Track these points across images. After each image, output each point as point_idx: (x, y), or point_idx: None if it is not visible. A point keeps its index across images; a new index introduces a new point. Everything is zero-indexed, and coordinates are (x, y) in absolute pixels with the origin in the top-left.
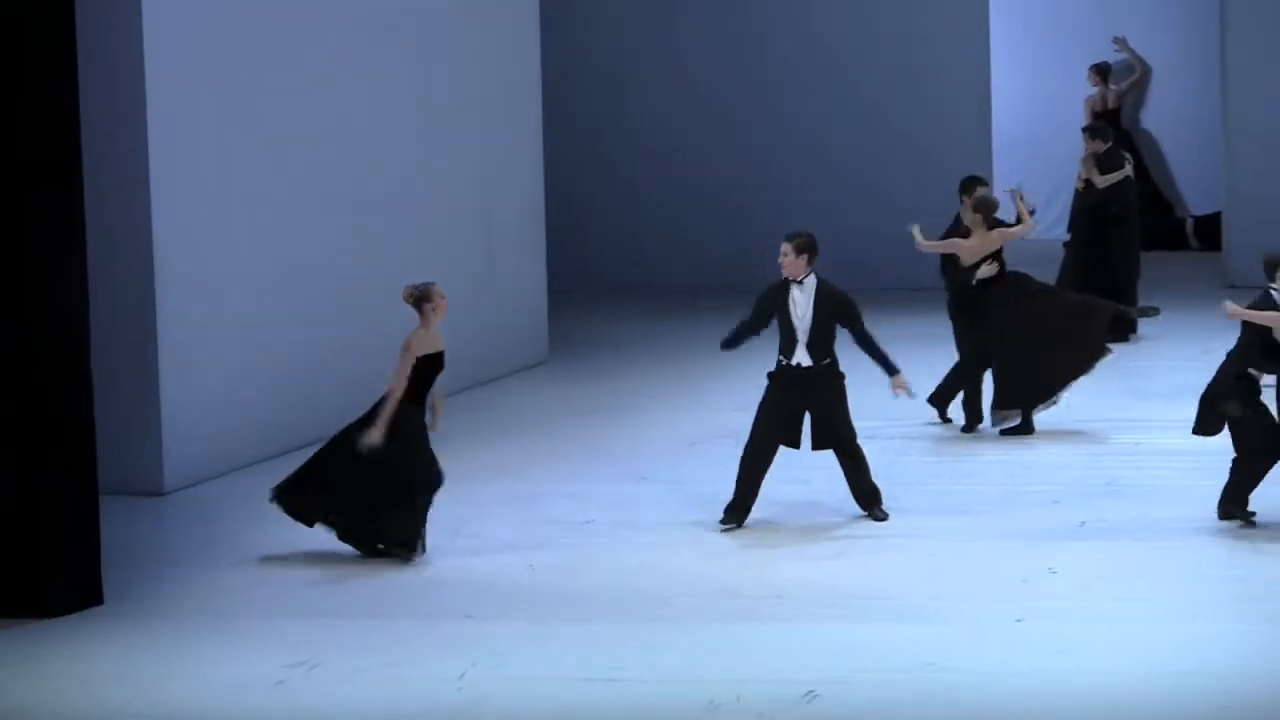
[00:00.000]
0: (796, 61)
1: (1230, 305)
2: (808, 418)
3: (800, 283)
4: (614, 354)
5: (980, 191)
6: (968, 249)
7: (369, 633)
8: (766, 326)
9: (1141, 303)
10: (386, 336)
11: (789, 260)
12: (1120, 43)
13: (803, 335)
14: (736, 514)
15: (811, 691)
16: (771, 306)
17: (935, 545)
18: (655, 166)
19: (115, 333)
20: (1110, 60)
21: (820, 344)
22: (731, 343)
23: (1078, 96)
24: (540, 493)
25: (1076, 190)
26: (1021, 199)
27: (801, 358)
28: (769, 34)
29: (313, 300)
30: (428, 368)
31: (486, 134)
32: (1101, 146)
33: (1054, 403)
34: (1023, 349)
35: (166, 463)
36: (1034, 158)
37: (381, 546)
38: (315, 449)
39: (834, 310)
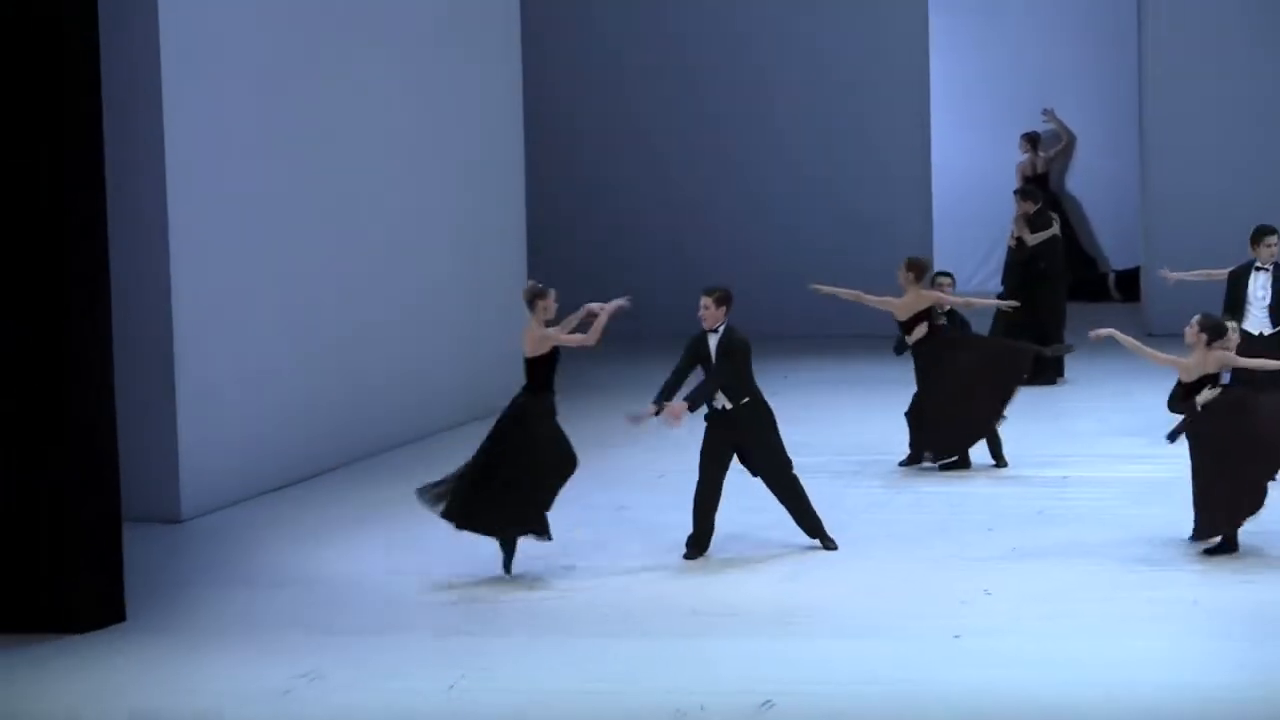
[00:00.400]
0: (748, 126)
1: (1101, 331)
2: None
3: (715, 331)
4: (590, 394)
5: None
6: (900, 306)
7: (368, 647)
8: (692, 370)
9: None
10: (389, 373)
11: (709, 312)
12: (1048, 114)
13: None
14: (697, 546)
15: (768, 701)
16: (696, 355)
17: (881, 568)
18: (629, 230)
19: (136, 370)
20: (1039, 129)
21: (732, 387)
22: (664, 395)
23: (1010, 162)
24: None
25: (1009, 247)
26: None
27: (723, 401)
28: (723, 102)
29: (321, 340)
30: (552, 358)
31: (474, 198)
32: (1032, 207)
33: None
34: (951, 400)
35: (184, 492)
36: (971, 217)
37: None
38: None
39: (727, 353)
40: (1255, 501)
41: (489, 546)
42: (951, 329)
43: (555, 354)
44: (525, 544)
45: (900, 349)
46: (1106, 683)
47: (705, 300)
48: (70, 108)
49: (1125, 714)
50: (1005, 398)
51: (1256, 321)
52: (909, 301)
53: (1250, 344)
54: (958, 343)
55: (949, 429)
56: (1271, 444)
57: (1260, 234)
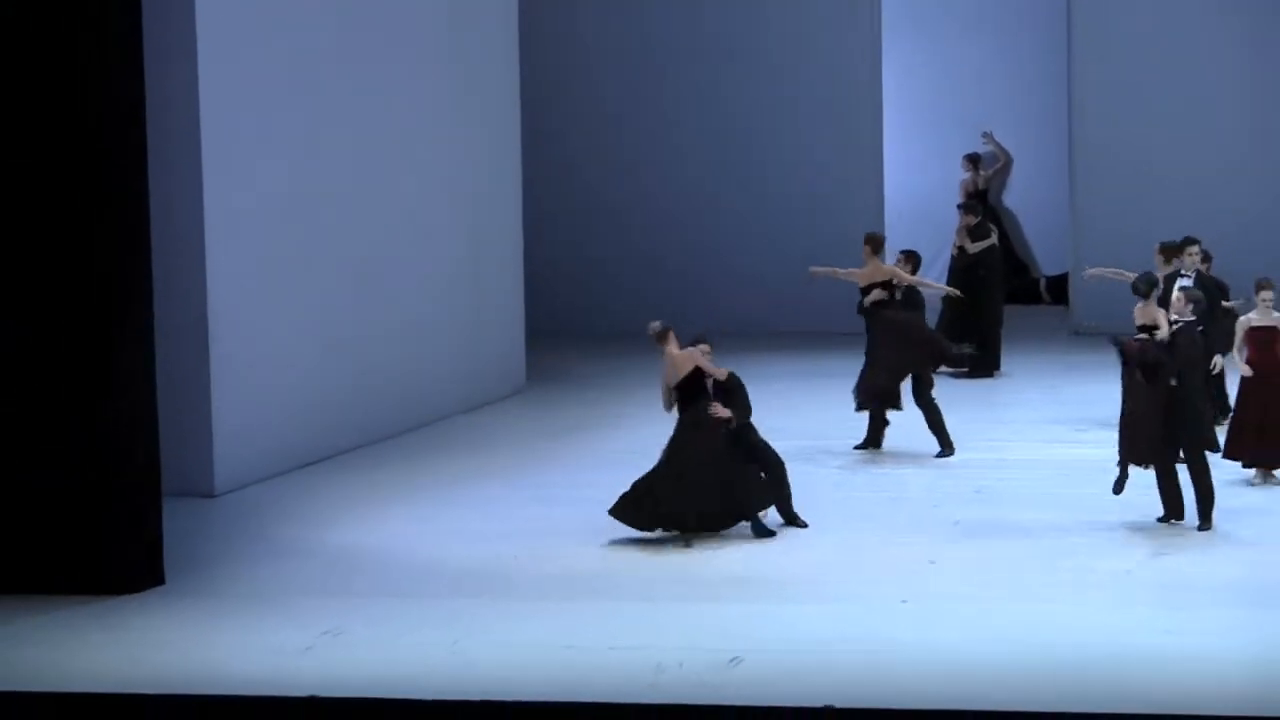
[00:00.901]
0: (718, 143)
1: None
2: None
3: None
4: (579, 386)
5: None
6: (861, 275)
7: (381, 608)
8: None
9: (1004, 347)
10: (404, 362)
11: (709, 358)
12: (988, 137)
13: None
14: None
15: (737, 658)
16: None
17: (839, 541)
18: (621, 237)
19: (174, 358)
20: (980, 151)
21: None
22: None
23: (954, 180)
24: (518, 495)
25: (952, 255)
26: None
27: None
28: (696, 121)
29: (342, 331)
30: (696, 375)
31: (476, 204)
32: (973, 220)
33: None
34: (884, 363)
35: (217, 469)
36: (920, 229)
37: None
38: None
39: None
40: (1139, 450)
41: (485, 521)
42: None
43: (698, 371)
44: (518, 518)
45: (861, 309)
46: (1030, 641)
47: (705, 348)
48: (115, 114)
49: (1046, 666)
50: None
51: None
52: (868, 272)
53: None
54: (892, 319)
55: (876, 386)
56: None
57: (1184, 244)
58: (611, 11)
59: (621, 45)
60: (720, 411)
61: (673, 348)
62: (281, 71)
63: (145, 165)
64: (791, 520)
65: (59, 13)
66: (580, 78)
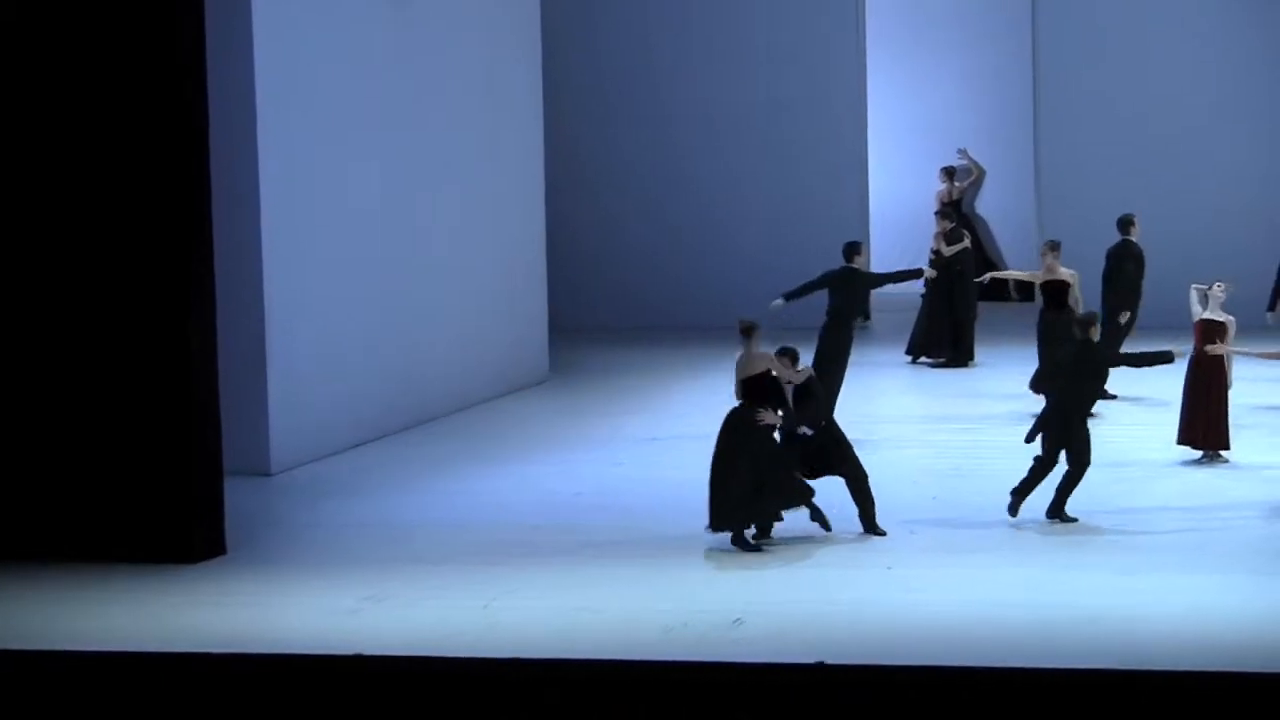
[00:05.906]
0: (723, 160)
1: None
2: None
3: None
4: (602, 375)
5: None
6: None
7: (421, 574)
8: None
9: (977, 340)
10: (439, 352)
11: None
12: (962, 152)
13: None
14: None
15: (739, 619)
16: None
17: (831, 514)
18: (631, 240)
19: (234, 351)
20: (955, 164)
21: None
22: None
23: (931, 190)
24: (544, 471)
25: (930, 257)
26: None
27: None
28: (702, 150)
29: (388, 322)
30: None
31: (503, 215)
32: (948, 226)
33: None
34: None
35: (273, 449)
36: (901, 234)
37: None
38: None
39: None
40: None
41: (509, 496)
42: None
43: (768, 373)
44: (541, 493)
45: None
46: (998, 601)
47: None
48: (186, 134)
49: (1014, 625)
50: None
51: None
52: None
53: None
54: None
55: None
56: None
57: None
58: (622, 35)
59: (629, 63)
60: (766, 418)
61: (753, 346)
62: (333, 89)
63: (208, 175)
64: (872, 529)
65: (132, 39)
66: (593, 114)
